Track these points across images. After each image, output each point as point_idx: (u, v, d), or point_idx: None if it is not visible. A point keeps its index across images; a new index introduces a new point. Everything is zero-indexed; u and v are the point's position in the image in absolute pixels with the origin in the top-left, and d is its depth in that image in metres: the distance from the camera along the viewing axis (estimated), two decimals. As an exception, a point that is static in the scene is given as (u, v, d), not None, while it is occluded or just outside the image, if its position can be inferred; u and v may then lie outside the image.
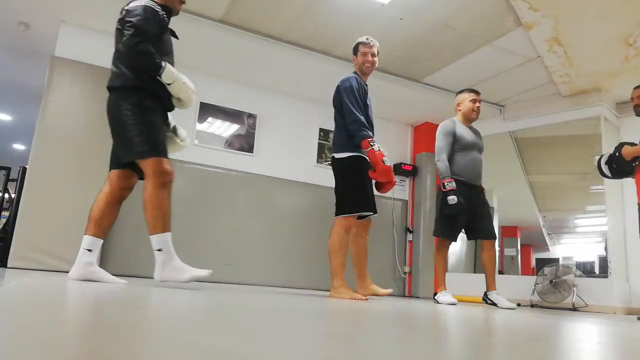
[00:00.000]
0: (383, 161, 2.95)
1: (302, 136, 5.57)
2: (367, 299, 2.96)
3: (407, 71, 4.94)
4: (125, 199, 2.63)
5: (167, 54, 2.61)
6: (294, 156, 5.48)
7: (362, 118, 3.05)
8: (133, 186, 2.64)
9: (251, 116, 5.25)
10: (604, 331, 1.90)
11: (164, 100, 2.55)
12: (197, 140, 4.96)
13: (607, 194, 4.87)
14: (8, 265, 3.76)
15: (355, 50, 3.30)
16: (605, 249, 4.77)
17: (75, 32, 4.33)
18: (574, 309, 4.45)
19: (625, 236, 4.94)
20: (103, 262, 4.21)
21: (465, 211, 3.58)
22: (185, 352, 0.60)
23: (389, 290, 3.36)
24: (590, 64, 4.45)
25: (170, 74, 2.49)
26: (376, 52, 3.27)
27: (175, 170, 4.92)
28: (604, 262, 5.01)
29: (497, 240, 3.94)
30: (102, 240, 2.54)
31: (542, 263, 7.04)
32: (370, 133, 3.06)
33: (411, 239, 5.97)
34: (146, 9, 2.46)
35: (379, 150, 2.98)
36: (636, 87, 3.53)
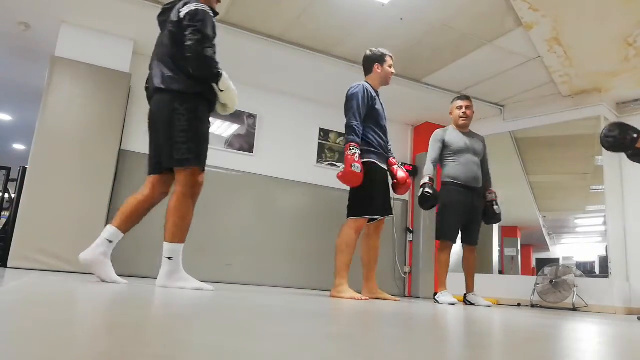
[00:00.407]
0: (351, 165, 3.03)
1: (302, 136, 5.57)
2: (367, 299, 2.97)
3: (408, 71, 4.94)
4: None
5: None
6: (294, 156, 5.48)
7: (356, 124, 3.16)
8: (170, 189, 2.62)
9: (251, 116, 5.25)
10: (605, 331, 1.89)
11: (213, 105, 2.54)
12: (197, 140, 4.95)
13: (607, 193, 4.88)
14: (8, 265, 3.76)
15: (382, 60, 3.45)
16: (606, 249, 4.77)
17: (76, 32, 4.33)
18: (574, 309, 4.45)
19: (625, 236, 4.94)
20: (103, 262, 4.22)
21: (461, 212, 3.84)
22: (184, 352, 0.60)
23: (396, 298, 3.42)
24: (590, 64, 4.45)
25: (225, 81, 2.49)
26: None
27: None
28: (604, 262, 5.01)
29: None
30: (123, 235, 2.51)
31: (542, 263, 7.03)
32: (357, 139, 3.14)
33: (411, 239, 5.97)
34: (207, 14, 2.43)
35: (353, 155, 3.06)
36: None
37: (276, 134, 5.37)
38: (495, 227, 9.65)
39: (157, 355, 0.57)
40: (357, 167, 3.03)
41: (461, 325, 1.64)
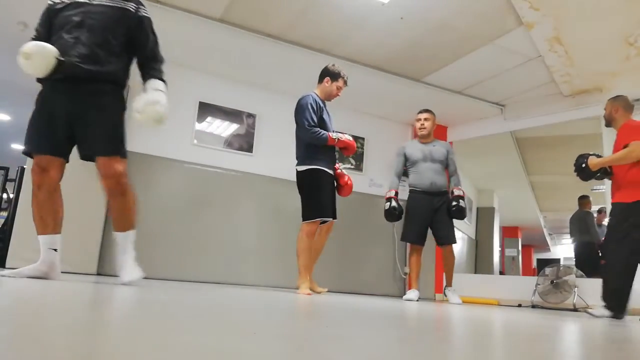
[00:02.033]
0: (347, 138, 3.55)
1: (302, 136, 5.56)
2: (310, 295, 3.23)
3: (408, 70, 4.92)
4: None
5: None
6: (294, 156, 5.46)
7: (308, 124, 3.42)
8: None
9: (250, 116, 5.24)
10: (605, 331, 1.88)
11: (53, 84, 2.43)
12: (196, 140, 4.94)
13: (608, 194, 4.86)
14: (6, 266, 3.75)
15: (335, 78, 3.66)
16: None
17: (74, 32, 4.31)
18: (575, 309, 4.43)
19: (626, 236, 4.92)
20: (102, 262, 4.21)
21: (422, 216, 4.23)
22: (184, 352, 0.59)
23: (325, 289, 3.78)
24: (591, 64, 4.43)
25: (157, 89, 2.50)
26: None
27: (174, 170, 4.94)
28: None
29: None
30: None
31: (543, 263, 7.04)
32: (324, 132, 3.44)
33: (411, 239, 5.96)
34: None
35: (337, 138, 3.48)
36: (611, 99, 3.58)
37: (276, 133, 5.36)
38: (496, 227, 9.66)
39: (155, 355, 0.56)
40: (344, 136, 3.50)
41: (461, 326, 1.63)
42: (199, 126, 4.98)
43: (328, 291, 3.99)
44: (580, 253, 6.37)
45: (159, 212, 4.62)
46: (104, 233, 4.19)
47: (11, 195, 4.84)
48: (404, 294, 5.79)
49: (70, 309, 1.15)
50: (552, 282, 4.69)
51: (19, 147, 9.12)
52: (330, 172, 3.54)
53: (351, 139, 3.61)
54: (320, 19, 4.09)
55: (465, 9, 3.78)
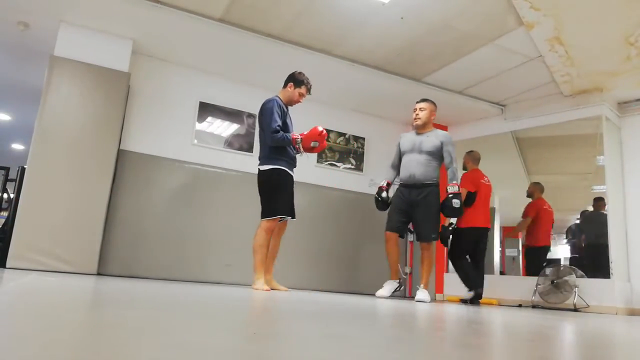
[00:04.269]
0: (311, 142, 3.57)
1: (302, 136, 5.56)
2: (269, 290, 3.38)
3: (408, 70, 4.92)
4: None
5: None
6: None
7: (276, 126, 3.52)
8: None
9: (251, 116, 5.23)
10: (605, 331, 1.88)
11: None
12: (196, 140, 4.94)
13: (608, 194, 4.86)
14: (7, 266, 3.75)
15: (298, 84, 3.74)
16: (607, 249, 4.76)
17: (75, 32, 4.32)
18: (575, 309, 4.43)
19: (626, 237, 4.93)
20: (102, 263, 4.21)
21: (401, 207, 4.11)
22: (183, 352, 0.59)
23: (286, 289, 3.81)
24: (592, 64, 4.43)
25: None
26: None
27: (175, 170, 4.94)
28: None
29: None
30: None
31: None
32: (287, 135, 3.55)
33: (412, 240, 5.96)
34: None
35: (297, 139, 3.54)
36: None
37: (276, 133, 5.36)
38: (497, 227, 9.64)
39: (155, 354, 0.56)
40: (316, 144, 3.55)
41: (462, 326, 1.63)
42: (199, 126, 4.98)
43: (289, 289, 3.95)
44: (592, 253, 6.38)
45: (159, 212, 4.62)
46: (105, 233, 4.19)
47: (12, 195, 4.84)
48: (405, 294, 5.80)
49: (71, 308, 1.15)
50: (552, 282, 4.69)
51: (19, 147, 9.12)
52: (291, 173, 3.69)
53: (316, 145, 3.59)
54: (320, 19, 4.08)
55: (466, 9, 3.77)
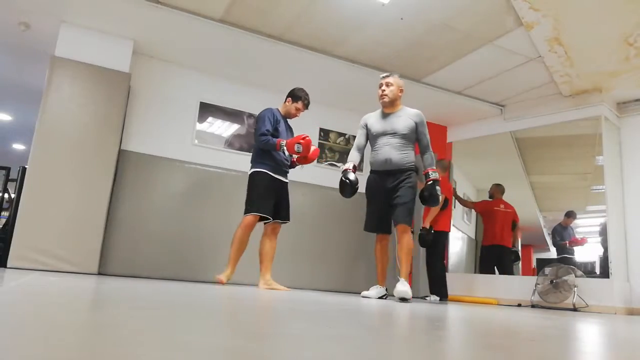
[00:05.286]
0: (295, 147, 3.65)
1: (303, 136, 5.56)
2: (223, 283, 3.58)
3: (408, 71, 4.93)
4: None
5: None
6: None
7: (265, 130, 3.72)
8: None
9: (251, 116, 5.24)
10: (605, 331, 1.89)
11: None
12: (197, 140, 4.95)
13: (607, 194, 4.87)
14: (8, 266, 3.76)
15: (296, 99, 3.93)
16: (606, 249, 4.77)
17: (76, 32, 4.33)
18: (574, 309, 4.44)
19: (626, 236, 4.93)
20: (103, 262, 4.22)
21: (376, 200, 3.65)
22: (184, 351, 0.60)
23: (286, 288, 3.83)
24: (591, 64, 4.44)
25: None
26: None
27: (175, 170, 4.95)
28: (604, 262, 5.03)
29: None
30: None
31: (542, 263, 7.04)
32: (273, 139, 3.70)
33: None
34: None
35: (283, 146, 3.67)
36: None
37: (276, 134, 5.37)
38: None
39: (157, 355, 0.57)
40: (299, 147, 3.64)
41: (462, 326, 1.64)
42: (199, 126, 4.99)
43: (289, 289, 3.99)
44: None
45: (160, 211, 4.62)
46: (105, 233, 4.19)
47: (13, 195, 4.84)
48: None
49: (73, 307, 1.16)
50: (551, 281, 4.70)
51: (20, 147, 9.12)
52: (278, 176, 3.82)
53: (300, 150, 3.67)
54: (320, 20, 4.09)
55: (465, 10, 3.78)
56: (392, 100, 3.65)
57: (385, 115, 3.69)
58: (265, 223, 3.86)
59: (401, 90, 3.71)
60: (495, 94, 5.32)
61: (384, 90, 3.66)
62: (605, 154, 4.88)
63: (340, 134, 5.81)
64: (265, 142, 3.71)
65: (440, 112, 5.81)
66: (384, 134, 3.63)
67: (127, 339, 0.69)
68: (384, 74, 3.75)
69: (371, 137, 3.71)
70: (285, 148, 3.67)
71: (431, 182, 3.53)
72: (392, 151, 3.58)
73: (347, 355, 0.71)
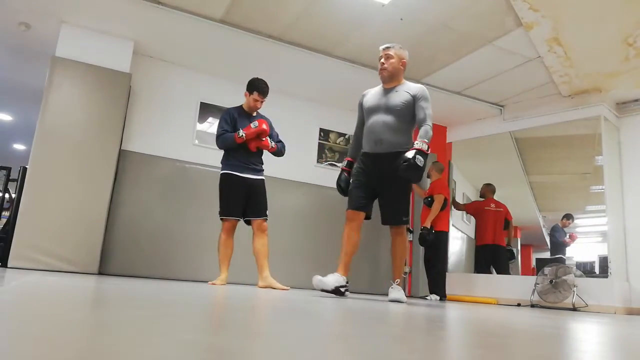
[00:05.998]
0: (252, 127, 3.70)
1: (302, 136, 5.57)
2: (214, 284, 3.61)
3: (407, 71, 4.87)
4: None
5: None
6: (294, 156, 5.47)
7: (221, 131, 3.71)
8: None
9: (251, 116, 5.24)
10: (605, 331, 1.90)
11: None
12: (197, 140, 4.96)
13: (607, 194, 4.87)
14: (8, 265, 3.76)
15: (250, 90, 3.82)
16: (606, 249, 4.78)
17: (76, 33, 4.33)
18: (574, 309, 4.45)
19: (625, 236, 4.94)
20: (103, 262, 4.22)
21: (362, 183, 3.19)
22: (185, 351, 0.60)
23: (286, 287, 3.84)
24: (590, 64, 4.45)
25: None
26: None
27: (175, 170, 4.96)
28: (604, 262, 5.04)
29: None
30: None
31: (542, 263, 7.05)
32: (231, 132, 3.69)
33: (411, 239, 5.97)
34: None
35: (242, 135, 3.65)
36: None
37: (276, 134, 5.37)
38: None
39: (159, 354, 0.57)
40: (255, 124, 3.68)
41: (461, 325, 1.64)
42: (199, 126, 5.00)
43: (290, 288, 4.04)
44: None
45: (160, 211, 4.63)
46: (106, 232, 4.20)
47: (13, 195, 4.85)
48: (405, 294, 5.80)
49: (73, 307, 1.17)
50: (551, 281, 4.71)
51: (21, 147, 9.13)
52: (244, 174, 3.78)
53: (256, 126, 3.70)
54: (320, 20, 4.10)
55: (465, 10, 3.79)
56: (391, 75, 3.18)
57: (384, 92, 3.21)
58: (247, 224, 3.93)
59: (403, 64, 3.24)
60: (495, 94, 5.33)
61: (384, 63, 3.19)
62: (604, 154, 4.89)
63: (340, 134, 5.81)
64: (222, 140, 3.71)
65: (440, 113, 5.81)
66: (377, 110, 3.14)
67: (127, 339, 0.69)
68: (385, 45, 3.26)
69: (365, 114, 3.23)
70: (244, 134, 3.65)
71: (414, 151, 2.90)
72: (384, 130, 3.08)
73: (347, 355, 0.72)
